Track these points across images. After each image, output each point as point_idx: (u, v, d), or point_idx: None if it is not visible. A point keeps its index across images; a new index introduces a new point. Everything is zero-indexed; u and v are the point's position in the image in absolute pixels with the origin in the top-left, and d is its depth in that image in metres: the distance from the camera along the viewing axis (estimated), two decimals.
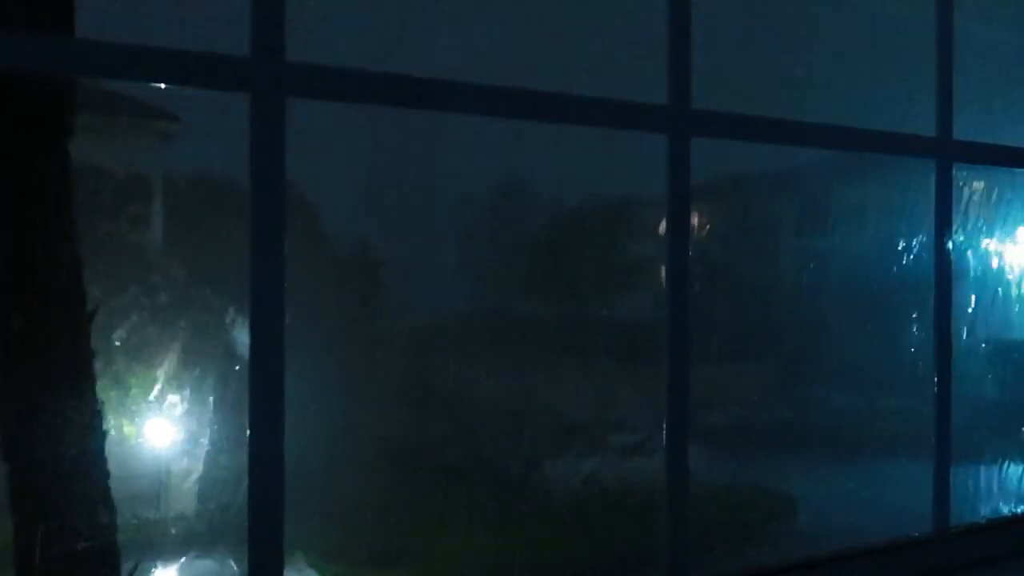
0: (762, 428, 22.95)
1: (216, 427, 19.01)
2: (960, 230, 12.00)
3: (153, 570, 12.58)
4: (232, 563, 14.97)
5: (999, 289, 21.83)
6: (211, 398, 18.89)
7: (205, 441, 18.51)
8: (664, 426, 1.67)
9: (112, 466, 5.15)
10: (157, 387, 17.16)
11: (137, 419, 17.12)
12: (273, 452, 1.29)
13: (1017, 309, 20.04)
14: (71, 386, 4.19)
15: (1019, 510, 12.54)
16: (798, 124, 1.89)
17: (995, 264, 21.96)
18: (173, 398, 17.03)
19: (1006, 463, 16.03)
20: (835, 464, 20.91)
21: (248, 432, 1.35)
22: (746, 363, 25.72)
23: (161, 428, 16.67)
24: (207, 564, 15.93)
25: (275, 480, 1.29)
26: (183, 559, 15.41)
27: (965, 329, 19.16)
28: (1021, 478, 15.33)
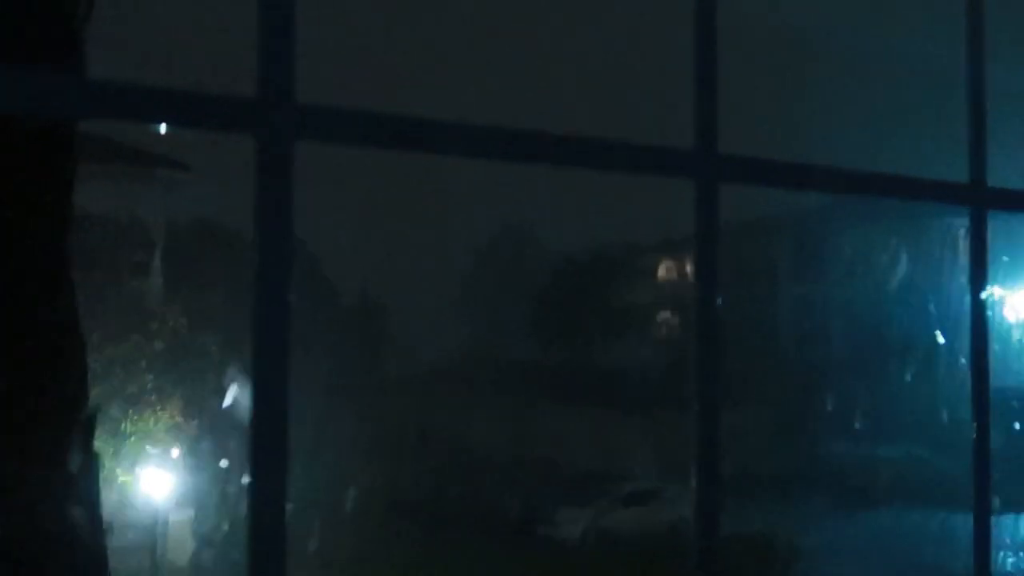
0: (782, 476, 22.53)
1: (217, 475, 18.53)
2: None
3: None
4: None
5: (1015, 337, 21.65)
6: (211, 446, 18.44)
7: (206, 490, 18.05)
8: (693, 477, 1.66)
9: (109, 517, 5.03)
10: (157, 435, 16.83)
11: (135, 468, 16.74)
12: (275, 503, 1.25)
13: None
14: (68, 436, 4.13)
15: None
16: (829, 170, 1.91)
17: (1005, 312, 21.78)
18: (174, 447, 16.66)
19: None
20: (856, 514, 20.59)
21: (250, 482, 1.29)
22: (761, 410, 25.17)
23: (159, 477, 16.32)
24: None
25: (277, 531, 1.24)
26: None
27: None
28: None
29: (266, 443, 1.39)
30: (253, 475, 1.34)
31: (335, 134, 1.71)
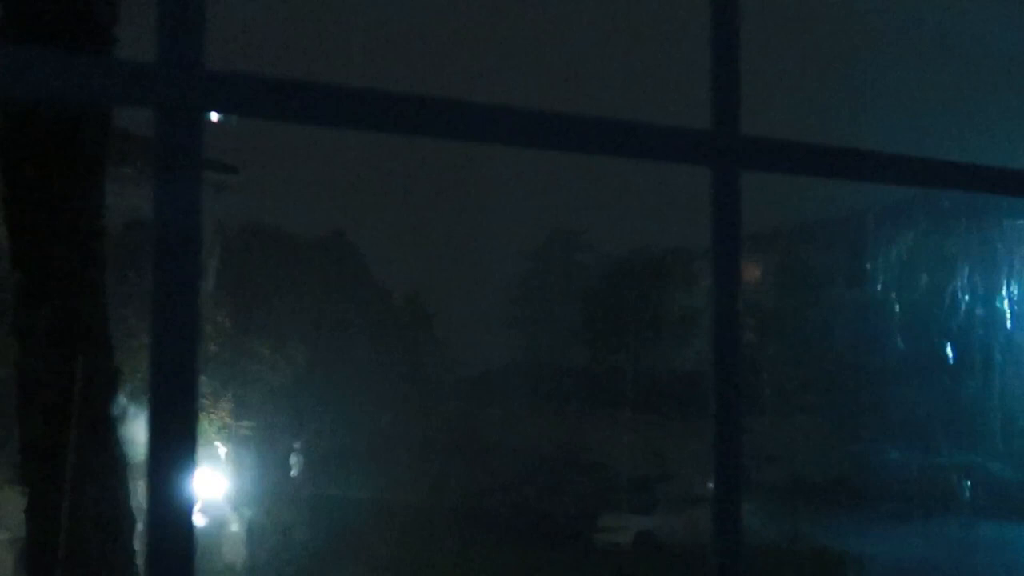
0: (825, 484, 22.20)
1: (266, 476, 18.71)
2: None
3: None
4: None
5: None
6: (259, 448, 18.61)
7: (258, 490, 18.22)
8: (714, 482, 1.53)
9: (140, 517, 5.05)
10: (210, 436, 17.07)
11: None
12: (179, 504, 1.19)
13: None
14: (104, 440, 4.18)
15: None
16: (869, 155, 1.66)
17: None
18: (221, 448, 16.87)
19: None
20: (904, 524, 20.21)
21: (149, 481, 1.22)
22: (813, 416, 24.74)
23: (212, 477, 16.52)
24: None
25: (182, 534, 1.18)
26: None
27: None
28: None
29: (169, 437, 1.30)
30: (152, 473, 1.24)
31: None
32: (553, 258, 35.38)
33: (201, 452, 16.34)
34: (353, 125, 1.53)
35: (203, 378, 16.24)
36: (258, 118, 1.45)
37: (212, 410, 14.77)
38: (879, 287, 26.58)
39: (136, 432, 6.12)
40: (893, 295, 26.24)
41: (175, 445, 1.31)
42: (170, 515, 1.27)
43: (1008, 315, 22.17)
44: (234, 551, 16.07)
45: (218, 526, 15.15)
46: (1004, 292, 21.89)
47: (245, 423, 15.23)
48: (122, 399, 4.48)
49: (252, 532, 16.54)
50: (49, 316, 4.06)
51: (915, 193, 19.14)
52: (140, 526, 4.81)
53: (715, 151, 1.71)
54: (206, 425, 15.40)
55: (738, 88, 1.67)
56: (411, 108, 1.49)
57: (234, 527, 15.97)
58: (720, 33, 1.65)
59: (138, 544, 4.65)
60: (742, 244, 1.65)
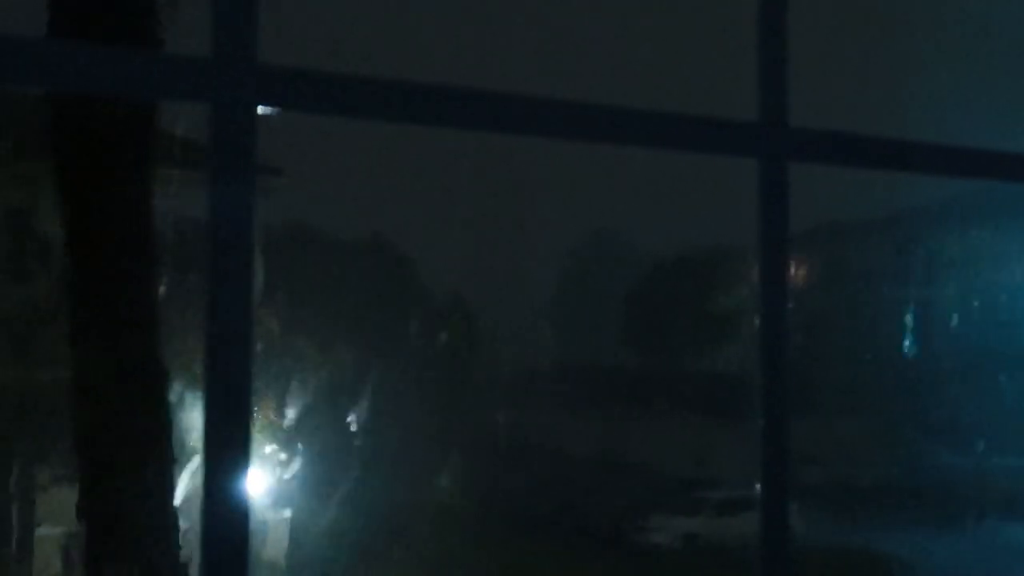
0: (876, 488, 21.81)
1: (307, 474, 18.80)
2: None
3: None
4: None
5: None
6: (307, 447, 18.74)
7: (302, 489, 18.32)
8: (761, 484, 1.48)
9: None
10: (254, 434, 17.13)
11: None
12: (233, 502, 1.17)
13: None
14: (155, 437, 4.22)
15: None
16: (916, 146, 1.58)
17: None
18: (268, 446, 16.99)
19: None
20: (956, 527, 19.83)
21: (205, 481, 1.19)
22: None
23: (256, 475, 16.67)
24: None
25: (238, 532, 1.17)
26: None
27: None
28: None
29: (223, 440, 1.26)
30: (207, 474, 1.21)
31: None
32: (595, 257, 35.27)
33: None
34: (404, 120, 1.50)
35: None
36: (312, 113, 1.41)
37: (256, 409, 14.90)
38: (927, 286, 26.22)
39: (187, 430, 6.15)
40: (942, 294, 25.88)
41: (229, 444, 1.29)
42: (225, 513, 1.25)
43: None
44: (277, 548, 16.19)
45: (261, 524, 15.26)
46: None
47: (288, 422, 15.35)
48: (172, 397, 4.52)
49: (295, 530, 16.65)
50: (101, 314, 4.10)
51: (965, 190, 18.83)
52: (183, 524, 4.86)
53: (763, 143, 1.65)
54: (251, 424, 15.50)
55: (785, 80, 1.61)
56: (460, 101, 1.45)
57: (277, 525, 16.09)
58: (768, 25, 1.60)
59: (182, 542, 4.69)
60: (789, 240, 1.61)
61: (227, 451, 1.40)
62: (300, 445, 15.81)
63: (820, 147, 1.72)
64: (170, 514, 4.26)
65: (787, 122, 1.65)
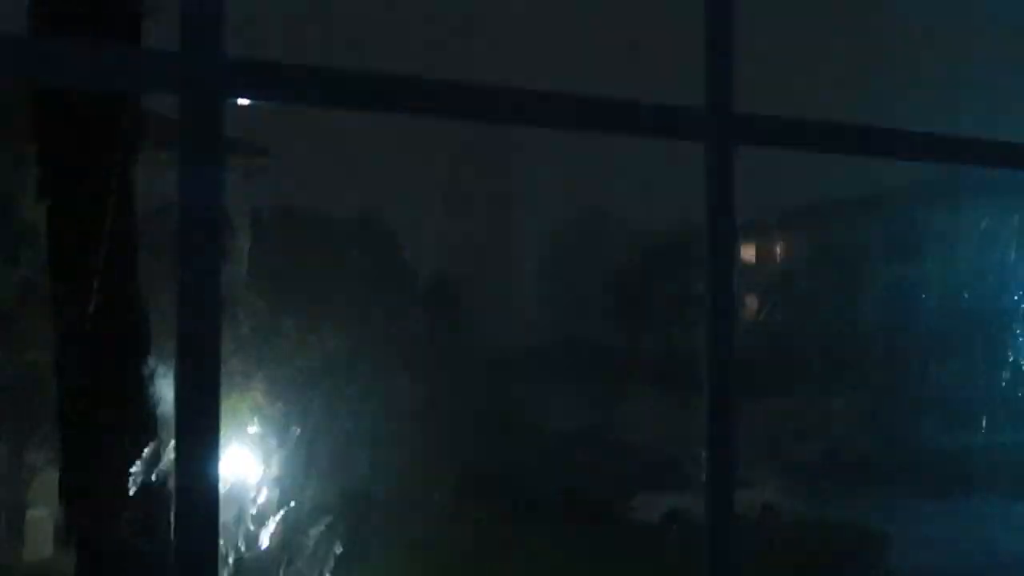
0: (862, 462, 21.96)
1: (293, 456, 18.81)
2: None
3: None
4: None
5: None
6: (296, 429, 18.75)
7: (290, 471, 18.37)
8: (705, 460, 1.53)
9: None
10: (242, 416, 17.22)
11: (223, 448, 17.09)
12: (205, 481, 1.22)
13: None
14: (137, 426, 4.28)
15: None
16: (867, 130, 1.61)
17: None
18: (253, 429, 17.04)
19: None
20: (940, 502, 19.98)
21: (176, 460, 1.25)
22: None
23: (244, 457, 16.75)
24: None
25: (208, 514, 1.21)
26: None
27: None
28: None
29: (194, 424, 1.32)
30: (179, 454, 1.27)
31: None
32: (584, 236, 35.32)
33: (233, 433, 16.55)
34: (366, 108, 1.57)
35: (236, 359, 16.41)
36: (278, 103, 1.48)
37: (245, 390, 14.92)
38: (917, 265, 26.32)
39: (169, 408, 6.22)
40: (931, 273, 25.98)
41: (199, 420, 1.36)
42: (195, 483, 1.32)
43: None
44: (264, 531, 16.25)
45: (249, 506, 15.31)
46: None
47: (277, 404, 15.38)
48: (154, 377, 4.58)
49: (286, 512, 16.71)
50: (84, 298, 4.15)
51: (954, 169, 18.88)
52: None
53: (708, 128, 1.68)
54: (238, 404, 15.56)
55: (730, 65, 1.65)
56: (418, 90, 1.52)
57: (264, 506, 16.13)
58: (714, 10, 1.63)
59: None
60: (737, 222, 1.65)
61: (198, 423, 1.49)
62: (289, 426, 15.87)
63: (764, 132, 1.78)
64: (155, 491, 4.33)
65: (731, 107, 1.72)
